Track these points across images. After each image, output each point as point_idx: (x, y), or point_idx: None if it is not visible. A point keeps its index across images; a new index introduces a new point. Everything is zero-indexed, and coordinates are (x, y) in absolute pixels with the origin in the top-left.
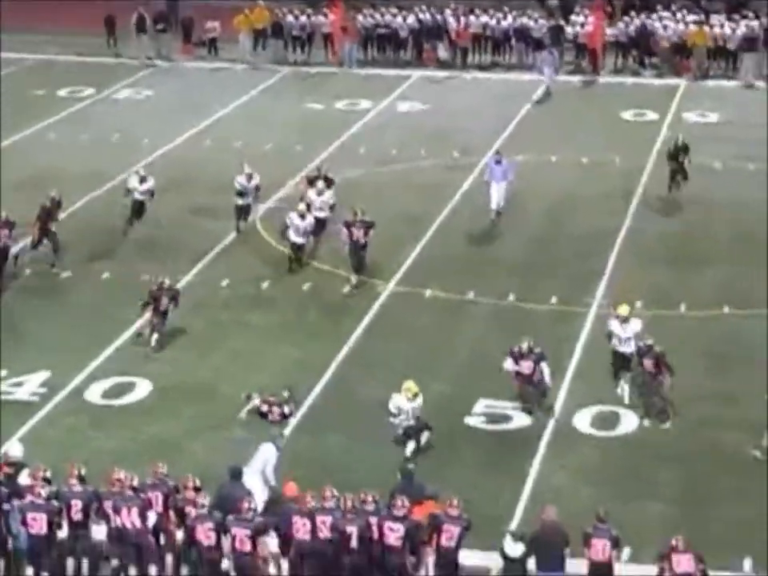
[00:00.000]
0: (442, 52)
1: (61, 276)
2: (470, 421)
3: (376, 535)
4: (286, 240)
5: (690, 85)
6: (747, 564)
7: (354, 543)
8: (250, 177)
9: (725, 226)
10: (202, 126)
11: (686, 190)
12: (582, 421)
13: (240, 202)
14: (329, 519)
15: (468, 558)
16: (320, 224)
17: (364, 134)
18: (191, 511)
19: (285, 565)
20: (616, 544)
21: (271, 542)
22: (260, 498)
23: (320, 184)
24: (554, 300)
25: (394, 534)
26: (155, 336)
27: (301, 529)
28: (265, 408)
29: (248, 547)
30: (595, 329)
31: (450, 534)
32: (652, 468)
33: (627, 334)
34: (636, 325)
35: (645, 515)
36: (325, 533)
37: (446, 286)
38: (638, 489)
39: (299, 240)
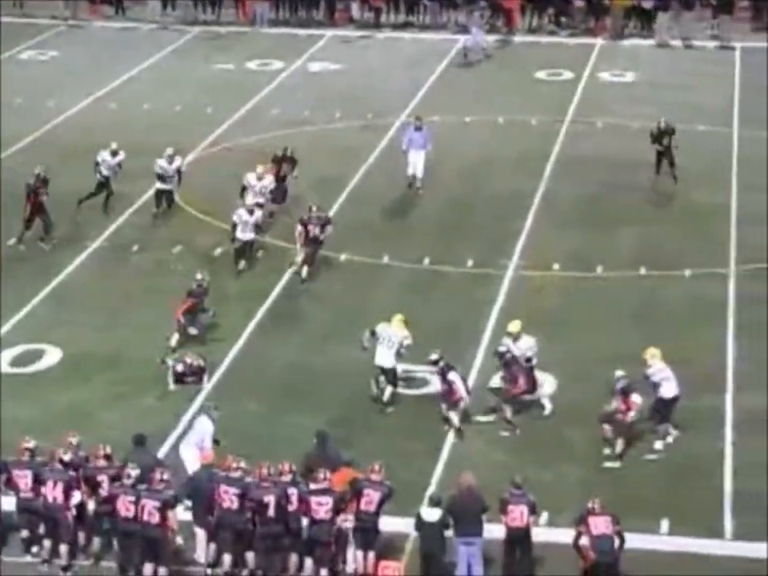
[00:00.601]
0: (355, 11)
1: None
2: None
3: (295, 507)
4: (238, 239)
5: (605, 44)
6: (664, 525)
7: (271, 513)
8: (171, 159)
9: (641, 187)
10: (108, 89)
11: (601, 150)
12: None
13: (160, 185)
14: (232, 489)
15: (386, 524)
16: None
17: (276, 96)
18: (104, 479)
19: (201, 535)
20: (533, 510)
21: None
22: (191, 467)
23: (259, 169)
24: (470, 263)
25: (323, 507)
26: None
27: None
28: (180, 368)
29: (156, 519)
30: (512, 291)
31: (369, 499)
32: (569, 431)
33: (518, 353)
34: (528, 342)
35: (562, 479)
36: (228, 503)
37: (360, 249)
38: (555, 453)
39: (247, 236)
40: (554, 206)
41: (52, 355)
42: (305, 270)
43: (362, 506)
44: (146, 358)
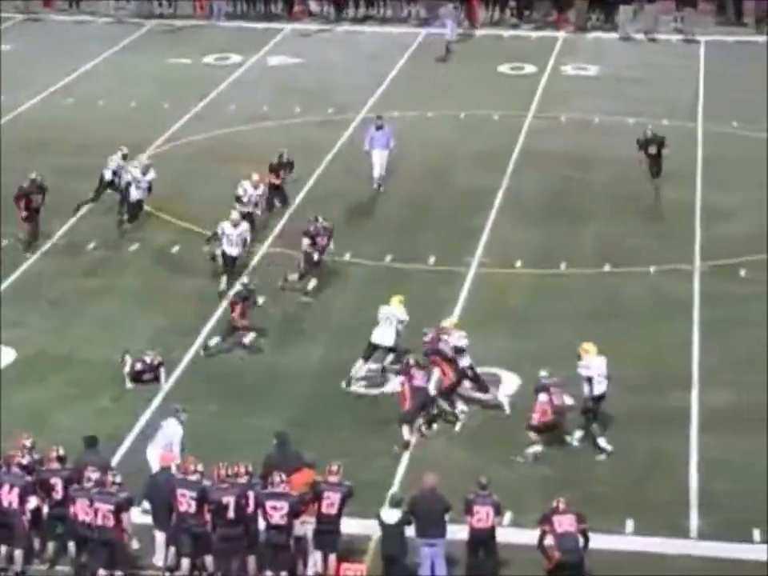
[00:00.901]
0: (314, 5)
1: None
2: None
3: (251, 509)
4: (213, 253)
5: (568, 37)
6: (629, 525)
7: (230, 514)
8: (147, 169)
9: (604, 183)
10: (63, 83)
11: (564, 145)
12: (464, 384)
13: (135, 195)
14: (189, 492)
15: (348, 525)
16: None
17: (234, 91)
18: (57, 482)
19: (160, 539)
20: (498, 510)
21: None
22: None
23: (255, 176)
24: (432, 260)
25: (279, 512)
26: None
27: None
28: (139, 366)
29: (111, 522)
30: (475, 289)
31: (330, 501)
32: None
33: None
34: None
35: (526, 479)
36: (185, 506)
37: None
38: (519, 452)
39: (233, 251)
40: (517, 202)
41: (6, 356)
42: (313, 283)
43: (323, 509)
44: (102, 358)
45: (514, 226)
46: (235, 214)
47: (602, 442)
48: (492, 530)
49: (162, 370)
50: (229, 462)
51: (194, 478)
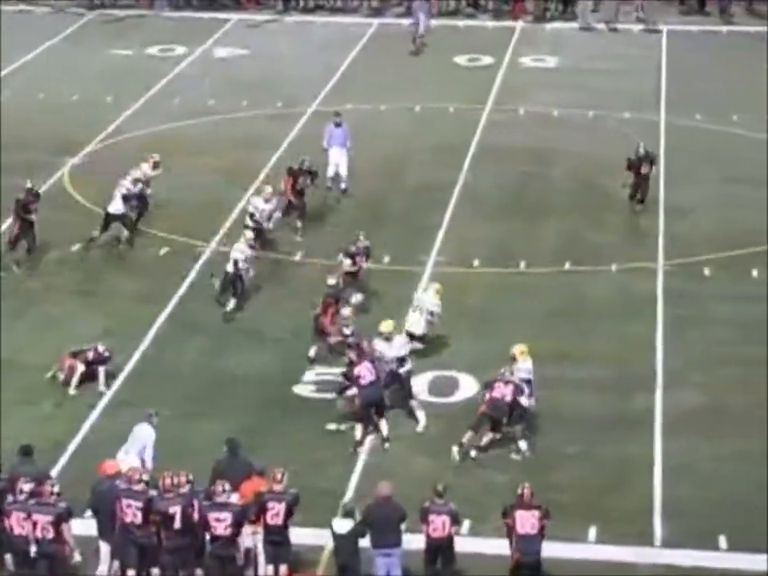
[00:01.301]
0: None
1: None
2: (300, 390)
3: (195, 518)
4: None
5: (526, 27)
6: (592, 533)
7: (177, 524)
8: (136, 182)
9: (564, 178)
10: (1, 75)
11: (523, 139)
12: (419, 387)
13: (112, 209)
14: (135, 503)
15: (300, 535)
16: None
17: (178, 83)
18: None
19: (105, 550)
20: (455, 519)
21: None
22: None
23: (267, 189)
24: (386, 259)
25: (222, 523)
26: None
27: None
28: (91, 356)
29: (51, 534)
30: None
31: (275, 512)
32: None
33: (393, 353)
34: (400, 342)
35: (485, 486)
36: (131, 517)
37: (271, 246)
38: (478, 458)
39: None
40: (474, 199)
41: None
42: (359, 296)
43: (269, 520)
44: (43, 362)
45: (472, 223)
46: (249, 234)
47: (523, 444)
48: (449, 539)
49: (103, 370)
50: (176, 470)
51: (138, 487)
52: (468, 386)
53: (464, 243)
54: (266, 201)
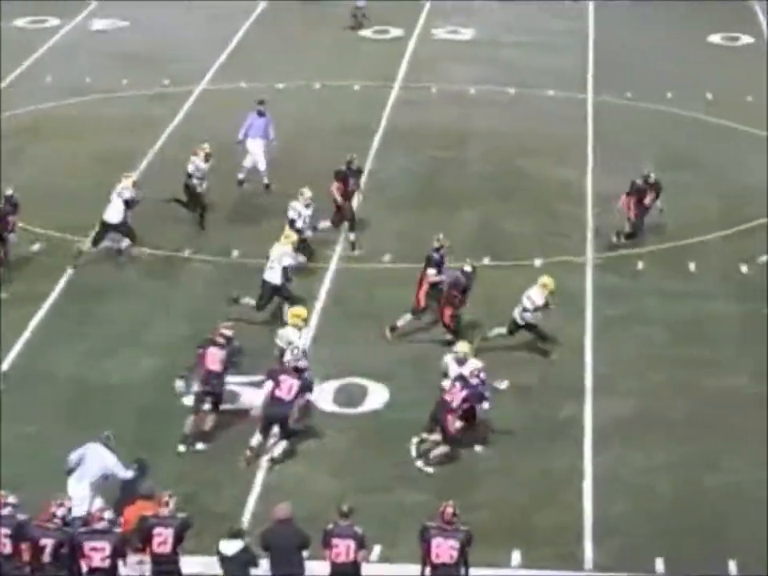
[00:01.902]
0: None
1: None
2: (190, 400)
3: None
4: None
5: None
6: (516, 556)
7: (46, 558)
8: (134, 185)
9: (481, 162)
10: None
11: (436, 120)
12: (323, 397)
13: (107, 218)
14: (3, 529)
15: (192, 564)
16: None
17: (51, 59)
18: None
19: None
20: (362, 544)
21: None
22: (80, 508)
23: (307, 193)
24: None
25: (99, 554)
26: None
27: None
28: None
29: None
30: (336, 287)
31: (162, 539)
32: (408, 451)
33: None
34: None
35: (398, 506)
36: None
37: (156, 241)
38: (392, 476)
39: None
40: (382, 187)
41: None
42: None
43: (156, 548)
44: None
45: (381, 215)
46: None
47: (438, 450)
48: (354, 565)
49: None
50: (49, 491)
51: (6, 511)
52: (377, 396)
53: (372, 236)
54: (307, 206)
